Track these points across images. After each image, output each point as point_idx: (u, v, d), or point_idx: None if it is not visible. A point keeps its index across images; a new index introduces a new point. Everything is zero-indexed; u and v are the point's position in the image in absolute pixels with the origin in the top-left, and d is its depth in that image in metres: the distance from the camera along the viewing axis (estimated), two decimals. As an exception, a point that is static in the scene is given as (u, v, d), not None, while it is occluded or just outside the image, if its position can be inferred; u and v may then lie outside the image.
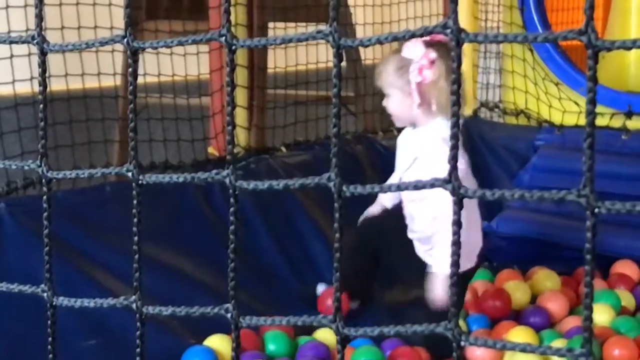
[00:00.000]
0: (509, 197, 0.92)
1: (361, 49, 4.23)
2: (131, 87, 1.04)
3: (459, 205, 0.92)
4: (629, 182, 3.93)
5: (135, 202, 1.04)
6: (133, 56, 1.01)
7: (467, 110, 4.50)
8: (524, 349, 0.93)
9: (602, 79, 4.40)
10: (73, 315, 2.74)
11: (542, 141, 4.32)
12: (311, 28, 3.95)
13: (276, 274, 3.26)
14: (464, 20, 4.41)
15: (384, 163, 3.86)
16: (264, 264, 3.26)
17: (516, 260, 3.57)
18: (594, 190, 0.89)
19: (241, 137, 3.61)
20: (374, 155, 3.95)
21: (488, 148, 4.31)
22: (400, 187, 0.93)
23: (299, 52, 3.90)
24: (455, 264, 0.94)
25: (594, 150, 0.89)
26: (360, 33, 4.28)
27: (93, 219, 3.02)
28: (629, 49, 0.83)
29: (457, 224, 0.97)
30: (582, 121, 4.08)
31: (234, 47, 1.00)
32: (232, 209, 1.04)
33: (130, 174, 1.00)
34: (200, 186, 3.25)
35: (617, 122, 4.18)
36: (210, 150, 3.60)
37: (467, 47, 4.44)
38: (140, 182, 1.01)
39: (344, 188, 1.00)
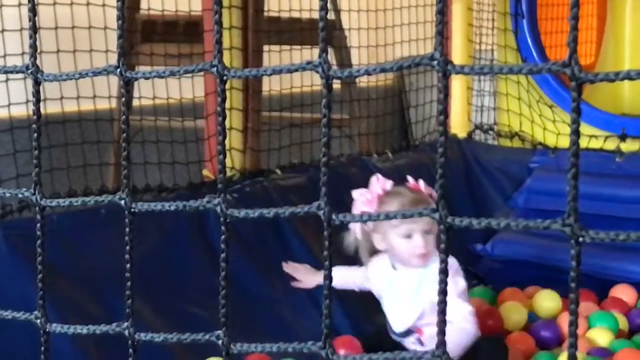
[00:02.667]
0: (495, 226, 0.93)
1: (356, 72, 4.24)
2: (124, 117, 1.06)
3: (445, 233, 0.93)
4: (624, 204, 3.95)
5: (127, 229, 1.05)
6: (126, 86, 1.03)
7: (461, 133, 4.52)
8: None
9: (596, 102, 4.44)
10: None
11: (537, 163, 4.35)
12: (306, 51, 3.98)
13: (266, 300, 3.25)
14: (458, 43, 4.43)
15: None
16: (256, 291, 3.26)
17: (513, 283, 3.58)
18: (577, 220, 0.90)
19: (236, 159, 3.61)
20: (368, 177, 3.95)
21: (482, 170, 4.33)
22: (388, 216, 0.93)
23: (294, 74, 3.92)
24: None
25: (578, 180, 0.90)
26: (355, 56, 4.30)
27: (88, 242, 3.03)
28: (612, 81, 0.85)
29: (445, 252, 0.98)
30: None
31: (225, 78, 1.02)
32: (223, 237, 1.05)
33: (122, 202, 1.01)
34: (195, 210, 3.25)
35: (611, 145, 4.21)
36: (205, 172, 3.61)
37: (461, 70, 4.46)
38: (132, 210, 1.02)
39: (334, 216, 1.01)
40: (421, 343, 2.85)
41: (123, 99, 1.04)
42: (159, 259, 3.11)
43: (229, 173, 3.60)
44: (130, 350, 1.06)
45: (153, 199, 3.29)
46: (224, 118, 1.03)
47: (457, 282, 2.75)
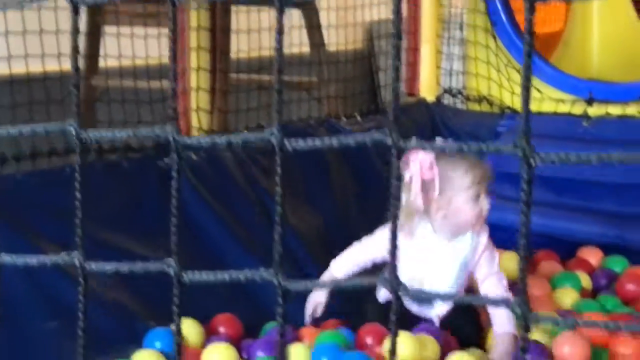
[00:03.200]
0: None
1: (325, 34, 4.23)
2: (73, 45, 1.04)
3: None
4: (590, 167, 3.97)
5: (77, 157, 1.03)
6: (75, 11, 1.01)
7: (430, 97, 4.52)
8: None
9: (564, 66, 4.45)
10: (34, 297, 2.73)
11: (505, 127, 4.35)
12: (275, 13, 3.95)
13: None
14: (428, 6, 4.42)
15: (346, 148, 3.86)
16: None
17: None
18: (530, 142, 0.90)
19: (203, 120, 3.60)
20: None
21: (451, 134, 4.33)
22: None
23: (263, 37, 3.90)
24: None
25: (529, 103, 0.90)
26: (324, 17, 4.28)
27: (53, 201, 3.01)
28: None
29: (398, 178, 0.97)
30: (544, 108, 4.16)
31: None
32: (176, 167, 1.03)
33: (71, 128, 1.00)
34: (161, 169, 3.23)
35: (578, 109, 4.22)
36: (172, 133, 3.59)
37: (430, 34, 4.45)
38: (82, 138, 1.00)
39: (286, 142, 1.00)
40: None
41: (72, 25, 1.02)
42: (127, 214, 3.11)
43: (196, 133, 3.59)
44: (81, 279, 1.04)
45: (119, 158, 3.27)
46: (175, 40, 1.01)
47: (496, 256, 2.83)
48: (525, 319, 0.92)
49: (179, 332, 1.06)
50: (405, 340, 2.54)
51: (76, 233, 1.02)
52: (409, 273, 2.72)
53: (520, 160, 0.92)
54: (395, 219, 0.97)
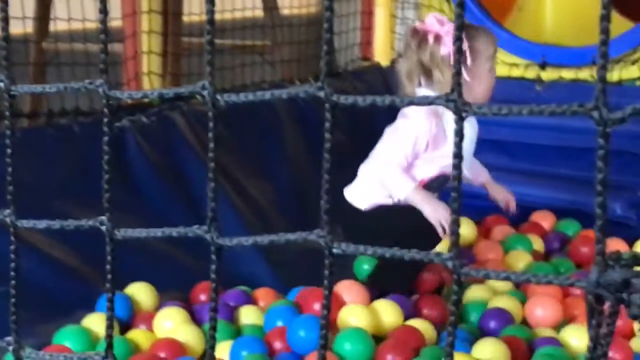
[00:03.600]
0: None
1: (278, -2, 4.20)
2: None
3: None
4: (543, 132, 3.99)
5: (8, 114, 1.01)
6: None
7: (384, 61, 4.51)
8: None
9: (518, 30, 4.45)
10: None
11: (458, 91, 4.35)
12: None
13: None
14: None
15: (301, 112, 3.85)
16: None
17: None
18: (461, 94, 0.89)
19: (156, 84, 3.57)
20: (291, 104, 3.94)
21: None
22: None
23: (216, -1, 3.86)
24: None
25: (461, 52, 0.89)
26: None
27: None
28: None
29: (330, 132, 0.96)
30: (497, 72, 4.15)
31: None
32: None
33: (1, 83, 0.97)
34: (111, 136, 3.21)
35: (531, 73, 4.23)
36: (124, 97, 3.56)
37: (384, -2, 4.44)
38: (12, 93, 0.98)
39: (219, 97, 0.99)
40: None
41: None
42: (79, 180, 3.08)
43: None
44: (12, 237, 1.03)
45: (70, 122, 3.24)
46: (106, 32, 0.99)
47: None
48: (457, 273, 0.92)
49: (111, 299, 1.05)
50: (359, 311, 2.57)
51: (8, 191, 1.01)
52: (446, 152, 2.74)
53: (454, 112, 0.91)
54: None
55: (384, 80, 4.39)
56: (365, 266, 3.08)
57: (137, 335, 2.53)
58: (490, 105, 0.90)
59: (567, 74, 4.15)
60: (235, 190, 3.41)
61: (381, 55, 4.50)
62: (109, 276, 0.98)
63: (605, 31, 0.86)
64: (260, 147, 3.64)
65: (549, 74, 4.18)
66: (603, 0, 0.85)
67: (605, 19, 0.86)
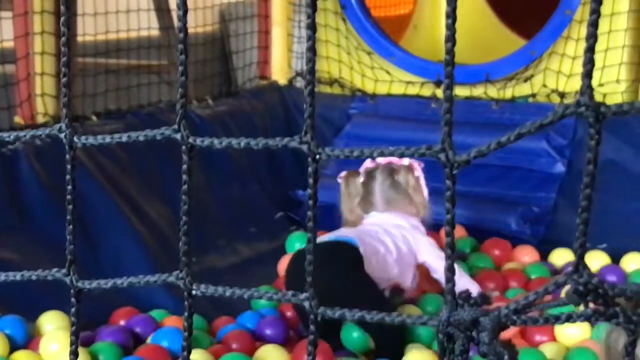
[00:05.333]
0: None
1: (174, 16, 4.19)
2: None
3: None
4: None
5: None
6: None
7: (282, 80, 4.53)
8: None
9: (414, 50, 4.53)
10: None
11: (356, 110, 4.40)
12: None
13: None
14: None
15: (198, 133, 3.84)
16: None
17: (332, 228, 3.61)
18: (314, 137, 0.91)
19: (49, 105, 3.53)
20: (189, 124, 3.92)
21: (303, 117, 4.35)
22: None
23: (109, 19, 3.84)
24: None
25: (314, 98, 0.91)
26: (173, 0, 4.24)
27: None
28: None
29: (188, 174, 0.98)
30: (394, 90, 4.21)
31: None
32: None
33: None
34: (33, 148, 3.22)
35: (427, 91, 4.30)
36: (17, 119, 3.52)
37: (281, 16, 4.47)
38: None
39: (76, 139, 0.99)
40: None
41: None
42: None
43: (41, 119, 3.52)
44: None
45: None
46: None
47: None
48: (314, 313, 0.93)
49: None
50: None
51: None
52: None
53: (306, 155, 0.93)
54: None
55: (281, 98, 4.41)
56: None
57: (21, 356, 2.51)
58: (348, 149, 0.92)
59: (462, 91, 4.23)
60: (133, 212, 3.40)
61: (279, 74, 4.53)
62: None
63: (450, 51, 0.89)
64: (159, 170, 3.62)
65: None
66: (447, 22, 0.88)
67: (449, 40, 0.88)
